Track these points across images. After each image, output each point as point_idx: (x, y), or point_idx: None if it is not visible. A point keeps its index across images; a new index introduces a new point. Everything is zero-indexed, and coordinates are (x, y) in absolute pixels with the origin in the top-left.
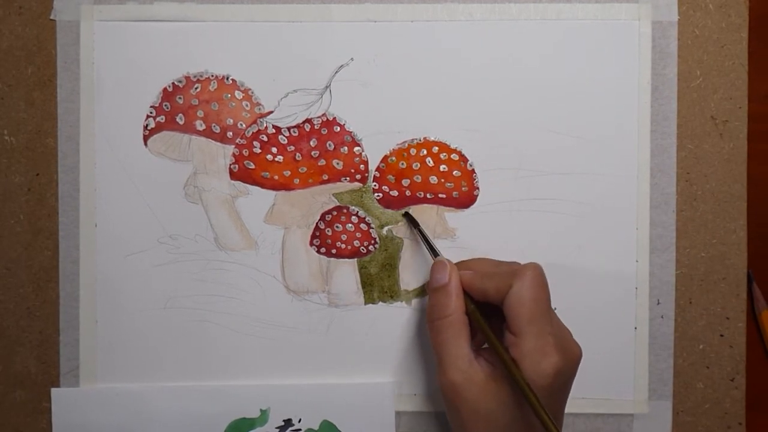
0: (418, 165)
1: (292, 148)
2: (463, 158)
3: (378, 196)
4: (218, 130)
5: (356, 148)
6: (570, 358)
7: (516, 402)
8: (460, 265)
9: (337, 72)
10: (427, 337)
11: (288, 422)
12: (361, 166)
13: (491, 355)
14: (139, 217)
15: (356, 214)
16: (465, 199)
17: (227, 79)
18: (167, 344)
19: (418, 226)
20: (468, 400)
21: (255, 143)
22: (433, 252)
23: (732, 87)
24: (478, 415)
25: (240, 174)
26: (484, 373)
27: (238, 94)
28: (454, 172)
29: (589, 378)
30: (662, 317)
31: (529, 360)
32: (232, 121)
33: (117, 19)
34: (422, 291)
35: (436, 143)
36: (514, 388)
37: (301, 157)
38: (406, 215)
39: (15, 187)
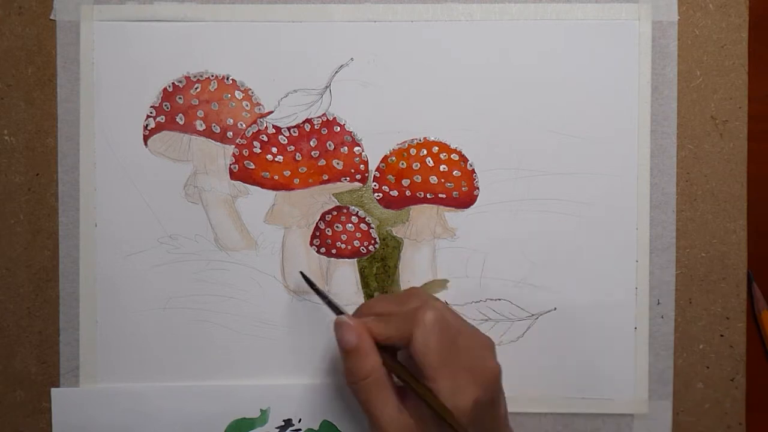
0: (418, 165)
1: (292, 148)
2: (463, 158)
3: (378, 196)
4: (218, 130)
5: (356, 148)
6: (486, 381)
7: None
8: (362, 309)
9: (337, 72)
10: None
11: (288, 422)
12: (361, 166)
13: (413, 403)
14: (139, 217)
15: (356, 214)
16: (465, 199)
17: (227, 79)
18: (167, 344)
19: (314, 285)
20: None
21: (255, 143)
22: (335, 309)
23: (732, 87)
24: None
25: (240, 174)
26: (414, 417)
27: (238, 94)
28: (454, 172)
29: (589, 378)
30: (662, 317)
31: (445, 401)
32: (232, 121)
33: (117, 19)
34: None
35: (436, 143)
36: (445, 423)
37: (301, 157)
38: (302, 275)
39: (15, 187)
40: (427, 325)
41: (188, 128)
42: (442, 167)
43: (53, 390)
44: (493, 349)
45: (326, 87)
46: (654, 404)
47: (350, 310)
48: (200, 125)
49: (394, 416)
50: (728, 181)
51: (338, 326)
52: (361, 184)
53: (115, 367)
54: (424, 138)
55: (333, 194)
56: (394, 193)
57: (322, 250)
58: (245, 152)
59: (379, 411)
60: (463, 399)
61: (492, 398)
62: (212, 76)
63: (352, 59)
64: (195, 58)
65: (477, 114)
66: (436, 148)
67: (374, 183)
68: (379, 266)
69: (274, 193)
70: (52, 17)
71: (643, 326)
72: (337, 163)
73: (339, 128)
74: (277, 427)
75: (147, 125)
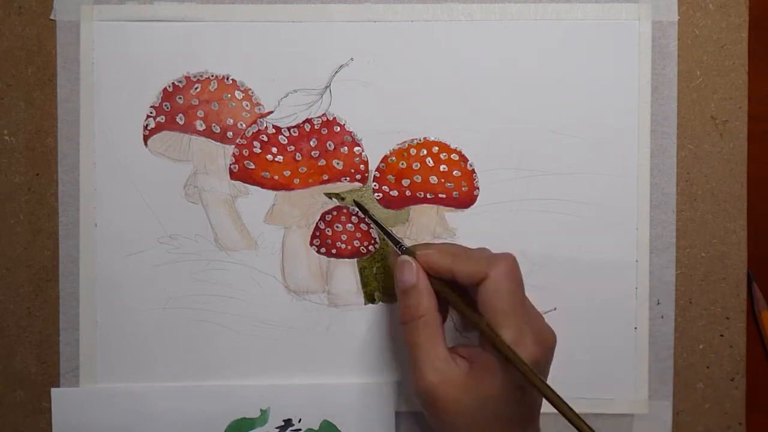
0: (418, 165)
1: (292, 148)
2: (463, 158)
3: (378, 196)
4: (218, 130)
5: (356, 148)
6: (546, 346)
7: (496, 397)
8: (424, 246)
9: (337, 72)
10: None
11: (288, 422)
12: (361, 166)
13: (467, 352)
14: (139, 217)
15: (356, 215)
16: (465, 199)
17: (227, 79)
18: (167, 344)
19: (368, 213)
20: (447, 400)
21: (255, 143)
22: (393, 239)
23: (732, 87)
24: (459, 414)
25: (240, 174)
26: (461, 371)
27: (238, 94)
28: (454, 172)
29: (589, 378)
30: (662, 317)
31: None
32: (232, 121)
33: (117, 19)
34: None
35: (436, 143)
36: (494, 384)
37: (301, 157)
38: (356, 204)
39: (15, 187)
40: (502, 270)
41: (188, 128)
42: (442, 167)
43: (53, 390)
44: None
45: (326, 87)
46: (654, 404)
47: (350, 310)
48: (200, 125)
49: (439, 364)
50: (728, 181)
51: (400, 264)
52: (361, 184)
53: (115, 367)
54: (424, 138)
55: (332, 194)
56: (394, 193)
57: (323, 250)
58: (245, 152)
59: (424, 354)
60: (525, 352)
61: (545, 364)
62: (212, 76)
63: (352, 59)
64: (195, 58)
65: (477, 114)
66: (436, 148)
67: (374, 183)
68: (379, 266)
69: (274, 193)
70: (52, 17)
71: (643, 326)
72: (337, 163)
73: (339, 128)
74: (277, 427)
75: (147, 125)
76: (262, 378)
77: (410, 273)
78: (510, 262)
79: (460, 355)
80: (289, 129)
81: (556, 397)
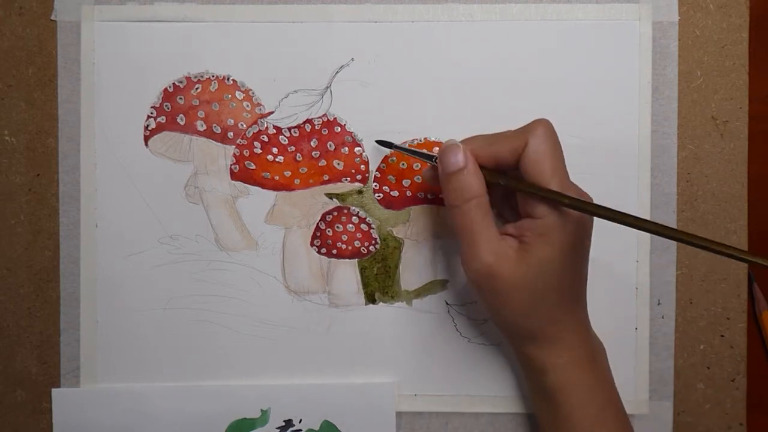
0: (419, 165)
1: (293, 148)
2: None
3: (378, 196)
4: (219, 131)
5: (357, 149)
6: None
7: (551, 261)
8: (465, 141)
9: (337, 72)
10: (427, 336)
11: (288, 422)
12: (362, 166)
13: (513, 228)
14: (139, 217)
15: (357, 215)
16: None
17: (228, 79)
18: (167, 344)
19: (393, 145)
20: (506, 276)
21: (256, 144)
22: (428, 156)
23: (732, 87)
24: (516, 288)
25: (241, 174)
26: (513, 248)
27: (239, 95)
28: None
29: None
30: (663, 317)
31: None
32: (232, 121)
33: (117, 19)
34: (422, 291)
35: (436, 143)
36: (547, 248)
37: (301, 158)
38: (378, 141)
39: (15, 187)
40: (540, 134)
41: (189, 129)
42: None
43: (54, 390)
44: None
45: (327, 87)
46: (654, 405)
47: (351, 310)
48: (201, 126)
49: (494, 244)
50: (729, 181)
51: (446, 148)
52: (362, 185)
53: (115, 368)
54: (425, 138)
55: (333, 194)
56: (395, 193)
57: (323, 250)
58: (246, 153)
59: (478, 236)
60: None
61: (590, 229)
62: (213, 76)
63: (352, 59)
64: (195, 58)
65: (477, 114)
66: (437, 148)
67: (375, 183)
68: (380, 266)
69: (275, 193)
70: (52, 18)
71: (643, 326)
72: (338, 164)
73: (339, 128)
74: (277, 428)
75: (148, 126)
76: (262, 378)
77: (458, 154)
78: (545, 125)
79: (509, 234)
80: (289, 129)
81: (624, 215)
